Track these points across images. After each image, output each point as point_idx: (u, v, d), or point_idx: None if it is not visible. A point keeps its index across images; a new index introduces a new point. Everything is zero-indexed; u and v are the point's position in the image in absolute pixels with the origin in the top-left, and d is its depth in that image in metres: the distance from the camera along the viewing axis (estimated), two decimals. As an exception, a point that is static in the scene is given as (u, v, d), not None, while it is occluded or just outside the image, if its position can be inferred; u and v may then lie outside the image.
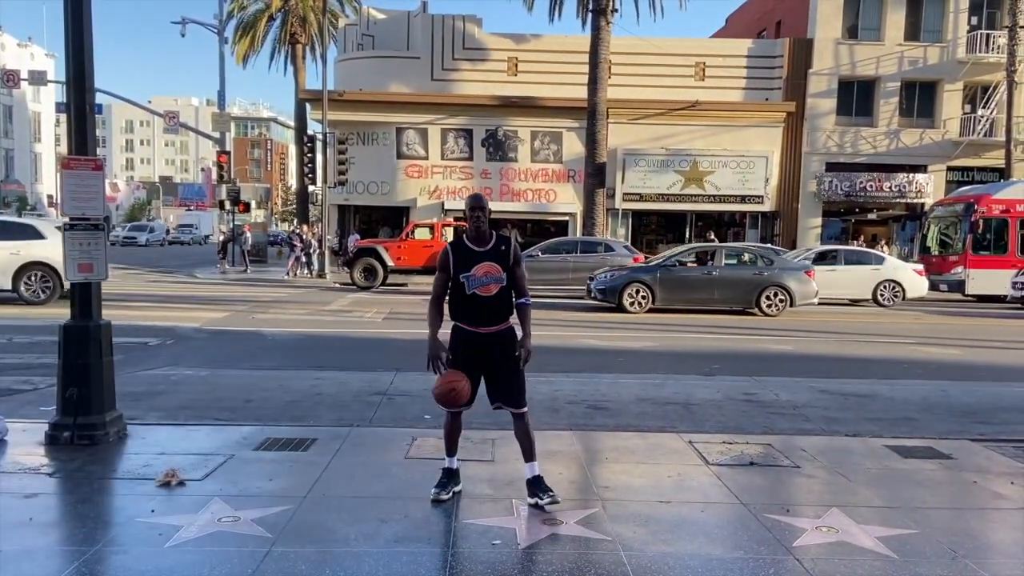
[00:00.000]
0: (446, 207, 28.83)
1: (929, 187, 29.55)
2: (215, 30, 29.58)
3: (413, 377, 8.48)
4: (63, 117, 6.14)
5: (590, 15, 26.19)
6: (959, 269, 21.65)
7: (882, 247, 26.50)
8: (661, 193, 29.35)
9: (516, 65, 29.66)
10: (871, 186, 29.66)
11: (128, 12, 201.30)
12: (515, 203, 29.31)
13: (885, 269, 19.66)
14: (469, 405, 4.57)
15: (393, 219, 29.99)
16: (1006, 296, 20.55)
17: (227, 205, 28.40)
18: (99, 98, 8.30)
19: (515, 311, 4.57)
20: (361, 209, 30.55)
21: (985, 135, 29.71)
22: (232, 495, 4.56)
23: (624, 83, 28.23)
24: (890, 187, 29.60)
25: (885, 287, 19.36)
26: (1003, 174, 27.70)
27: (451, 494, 4.58)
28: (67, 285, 5.81)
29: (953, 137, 30.04)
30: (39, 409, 6.58)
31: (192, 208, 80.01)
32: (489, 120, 29.23)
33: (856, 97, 30.44)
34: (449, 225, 23.28)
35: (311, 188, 34.12)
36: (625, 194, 29.24)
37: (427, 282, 22.54)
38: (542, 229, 29.58)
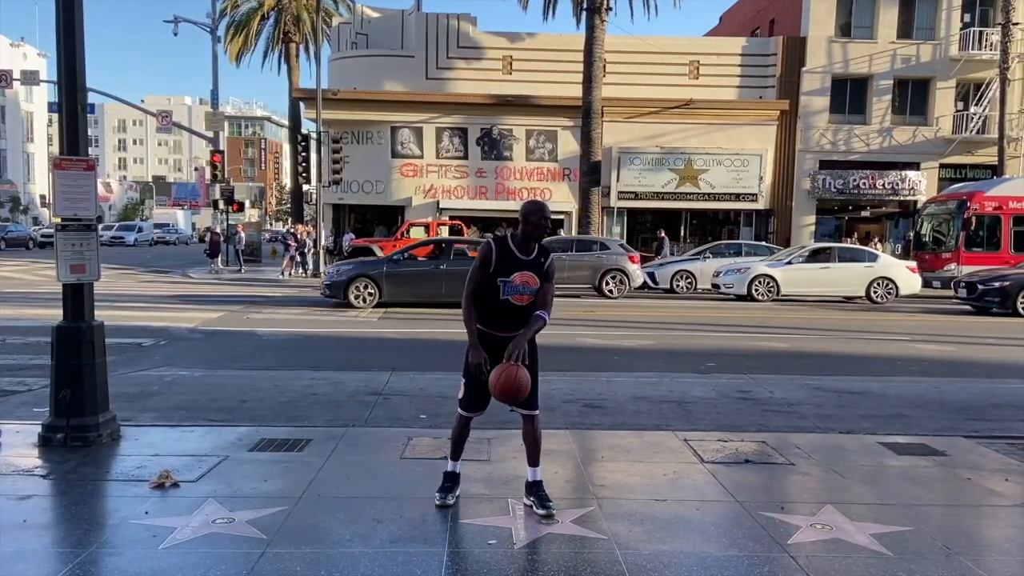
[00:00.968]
0: (441, 206, 28.82)
1: (922, 184, 29.64)
2: (208, 29, 29.51)
3: (409, 377, 8.48)
4: (55, 117, 6.09)
5: (584, 13, 26.19)
6: (952, 266, 21.73)
7: (875, 244, 26.59)
8: (656, 191, 29.39)
9: (511, 64, 29.65)
10: (864, 184, 29.74)
11: (120, 11, 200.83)
12: (510, 202, 29.27)
13: (878, 266, 19.71)
14: (483, 410, 4.49)
15: (388, 218, 29.97)
16: None
17: (221, 205, 28.35)
18: (91, 97, 8.27)
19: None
20: (356, 208, 30.52)
21: (978, 132, 29.82)
22: (226, 496, 4.54)
23: (619, 81, 28.25)
24: (883, 184, 29.68)
25: (878, 284, 19.41)
26: (996, 171, 27.80)
27: (455, 499, 4.53)
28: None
29: (946, 134, 30.14)
30: (32, 411, 6.56)
31: (186, 206, 79.73)
32: (484, 119, 29.21)
33: (849, 95, 30.51)
34: (444, 224, 23.28)
35: (305, 187, 34.05)
36: (620, 192, 29.27)
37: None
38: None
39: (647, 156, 29.26)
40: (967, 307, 17.81)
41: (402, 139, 29.43)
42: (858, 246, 23.72)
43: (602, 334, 12.88)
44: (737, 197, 29.68)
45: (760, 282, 19.46)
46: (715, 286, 20.63)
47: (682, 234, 30.44)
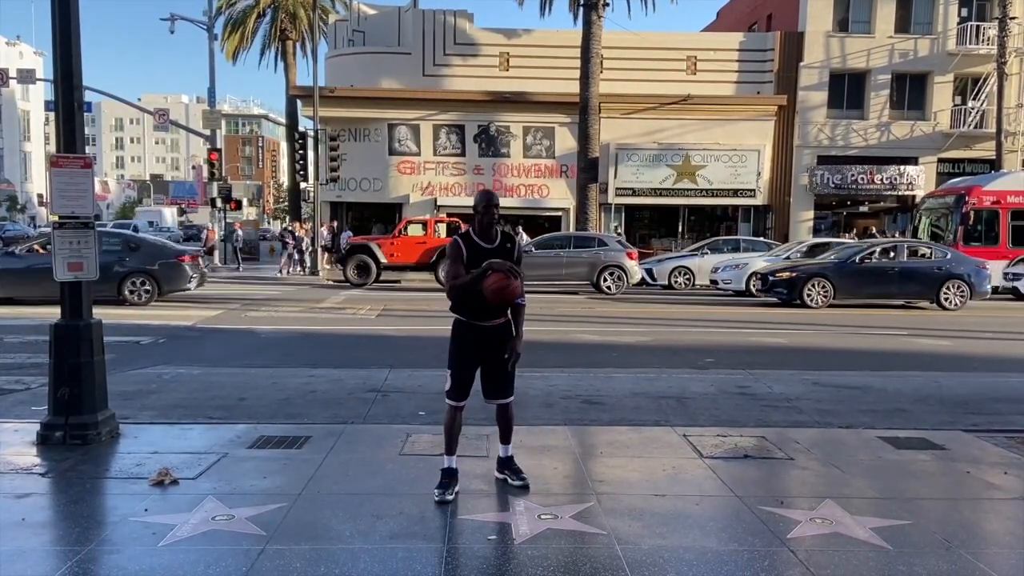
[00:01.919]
0: (439, 203, 28.79)
1: (920, 179, 29.64)
2: (204, 27, 29.43)
3: (408, 374, 8.48)
4: (52, 116, 6.08)
5: (581, 9, 26.16)
6: (950, 261, 21.69)
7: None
8: (654, 187, 29.37)
9: (508, 60, 29.61)
10: (862, 179, 29.73)
11: (116, 9, 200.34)
12: (508, 199, 29.24)
13: (877, 261, 19.66)
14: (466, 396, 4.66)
15: (386, 216, 29.93)
16: (997, 287, 20.63)
17: (219, 203, 28.31)
18: (88, 96, 8.24)
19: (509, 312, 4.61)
20: (354, 206, 30.48)
21: (976, 127, 29.81)
22: (226, 493, 4.54)
23: (616, 78, 28.21)
24: (881, 179, 29.67)
25: (877, 279, 19.36)
26: (994, 165, 27.79)
27: (454, 495, 4.56)
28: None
29: (944, 129, 30.13)
30: (31, 409, 6.55)
31: (184, 206, 79.54)
32: (481, 116, 29.17)
33: (847, 90, 30.49)
34: (442, 221, 23.26)
35: (303, 185, 34.01)
36: (618, 189, 29.25)
37: (420, 278, 22.61)
38: (535, 224, 29.55)
39: (645, 152, 29.24)
40: (772, 299, 17.61)
41: (399, 136, 29.39)
42: (857, 241, 23.71)
43: (601, 330, 12.88)
44: (735, 193, 29.67)
45: (759, 278, 19.44)
46: (713, 282, 20.63)
47: (680, 230, 30.43)
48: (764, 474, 5.18)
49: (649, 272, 21.90)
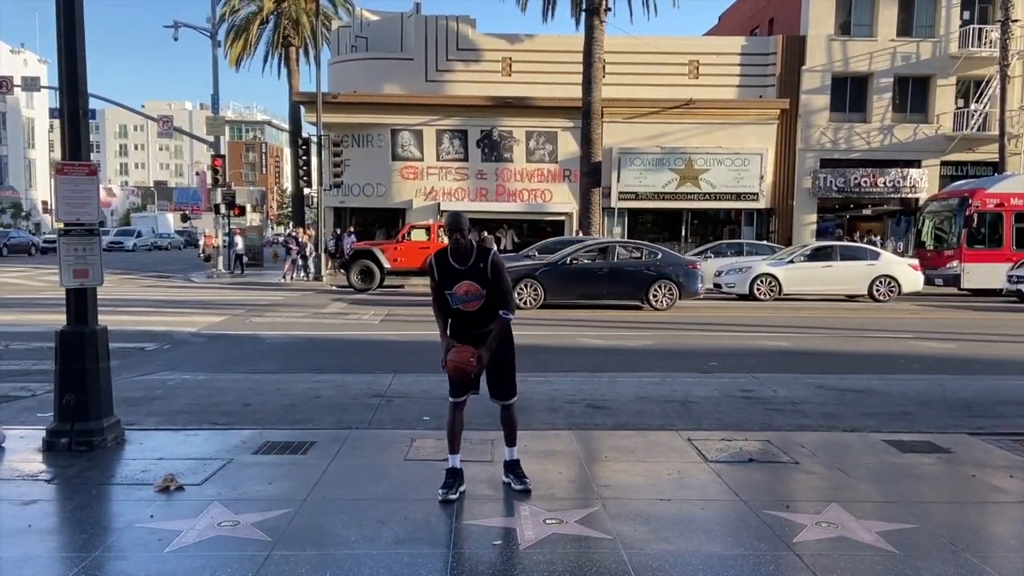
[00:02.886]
0: (442, 208, 28.81)
1: (923, 182, 29.61)
2: (208, 34, 29.50)
3: (412, 379, 8.48)
4: (57, 123, 6.10)
5: (583, 14, 26.21)
6: (954, 263, 21.68)
7: (877, 242, 26.55)
8: (657, 191, 29.37)
9: (510, 65, 29.66)
10: (865, 182, 29.71)
11: (120, 17, 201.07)
12: (511, 203, 29.31)
13: (880, 264, 19.68)
14: (476, 389, 4.73)
15: (389, 221, 29.97)
16: (1001, 290, 20.60)
17: (222, 209, 28.35)
18: (92, 103, 8.29)
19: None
20: (357, 211, 30.53)
21: (978, 129, 29.78)
22: (231, 499, 4.55)
23: (618, 82, 28.24)
24: (884, 182, 29.65)
25: (881, 282, 19.39)
26: (997, 168, 27.76)
27: (458, 494, 4.61)
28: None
29: (947, 132, 30.11)
30: (36, 415, 6.56)
31: (188, 212, 79.64)
32: (484, 120, 29.22)
33: (849, 93, 30.49)
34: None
35: (306, 191, 34.05)
36: (621, 193, 29.25)
37: (424, 283, 22.51)
38: (538, 229, 29.60)
39: (647, 156, 29.25)
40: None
41: (402, 142, 29.45)
42: (860, 244, 23.70)
43: (604, 334, 12.87)
44: (738, 196, 29.66)
45: (762, 281, 19.45)
46: (717, 286, 20.61)
47: (683, 234, 30.42)
48: (769, 478, 5.17)
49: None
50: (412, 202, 29.37)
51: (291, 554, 3.80)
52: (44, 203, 66.30)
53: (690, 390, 8.17)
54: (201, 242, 28.43)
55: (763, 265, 19.91)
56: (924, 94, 30.55)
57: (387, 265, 21.74)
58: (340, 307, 17.16)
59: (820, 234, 29.90)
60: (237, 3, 38.43)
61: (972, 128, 29.77)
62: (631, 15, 31.26)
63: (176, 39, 30.53)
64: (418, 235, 22.68)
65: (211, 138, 29.30)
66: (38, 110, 70.29)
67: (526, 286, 16.47)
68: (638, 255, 17.54)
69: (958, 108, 30.31)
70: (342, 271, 23.02)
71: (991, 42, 29.07)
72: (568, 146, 28.97)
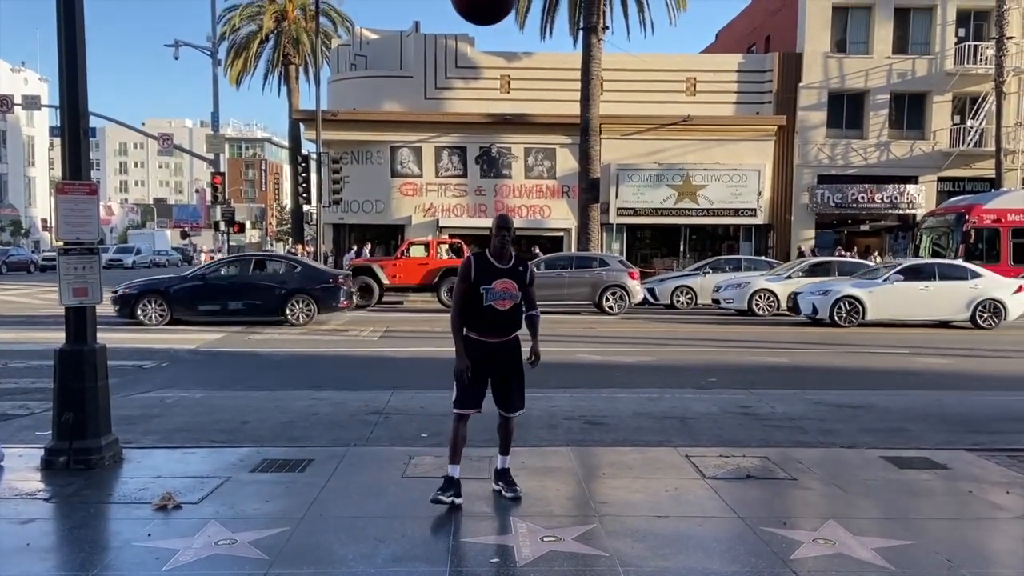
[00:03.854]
0: (441, 224, 28.89)
1: (920, 198, 29.71)
2: (208, 52, 29.69)
3: (410, 395, 8.49)
4: (57, 141, 6.17)
5: (581, 32, 26.38)
6: (952, 279, 21.66)
7: (874, 258, 26.60)
8: (655, 207, 29.46)
9: (509, 83, 29.83)
10: (863, 197, 29.81)
11: (121, 35, 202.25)
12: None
13: (880, 279, 19.65)
14: (479, 408, 4.84)
15: (388, 237, 30.03)
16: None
17: (222, 226, 28.42)
18: (92, 121, 8.34)
19: (524, 322, 4.93)
20: (356, 228, 30.59)
21: (975, 145, 29.92)
22: (229, 518, 4.55)
23: (616, 99, 28.39)
24: (882, 198, 29.75)
25: (881, 297, 19.32)
26: (993, 184, 27.85)
27: (450, 499, 4.69)
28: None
29: (943, 148, 30.25)
30: (35, 434, 6.57)
31: (187, 229, 79.77)
32: (483, 137, 29.35)
33: (846, 110, 30.65)
34: (444, 243, 23.33)
35: (306, 207, 34.17)
36: (619, 209, 29.35)
37: (423, 299, 22.65)
38: (537, 245, 29.64)
39: (645, 172, 29.37)
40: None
41: (401, 158, 29.56)
42: (858, 260, 23.75)
43: (602, 350, 12.89)
44: (736, 212, 29.75)
45: (760, 297, 19.47)
46: (715, 301, 20.64)
47: (681, 250, 30.49)
48: (767, 494, 5.17)
49: (651, 292, 21.92)
50: (411, 218, 29.44)
51: (288, 573, 3.80)
52: (44, 221, 66.33)
53: (688, 406, 8.18)
54: (203, 259, 28.46)
55: (761, 281, 19.94)
56: (920, 110, 30.73)
57: (386, 281, 21.76)
58: (339, 323, 17.16)
59: (820, 249, 29.93)
60: (238, 22, 38.72)
61: (968, 144, 29.92)
62: (628, 33, 31.68)
63: (176, 58, 30.83)
64: (417, 251, 22.72)
65: (211, 155, 29.42)
66: (38, 128, 70.57)
67: (151, 302, 15.84)
68: (278, 268, 17.22)
69: (954, 124, 30.47)
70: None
71: (986, 59, 29.27)
72: (566, 162, 29.09)
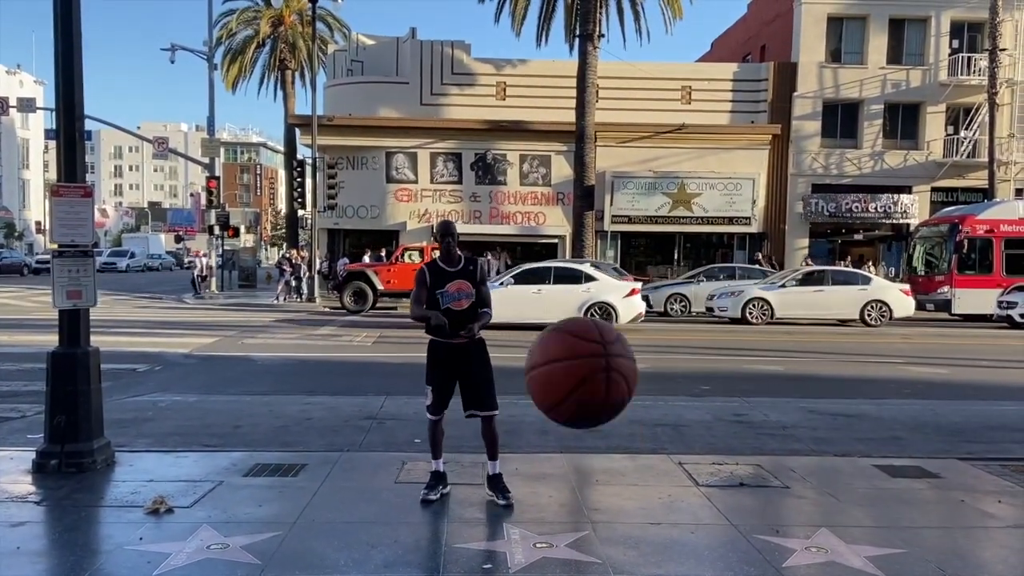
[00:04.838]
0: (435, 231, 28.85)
1: (914, 208, 29.83)
2: (204, 56, 29.70)
3: (403, 401, 8.47)
4: (52, 144, 6.18)
5: (577, 40, 26.47)
6: (945, 289, 21.81)
7: (868, 267, 26.71)
8: (649, 215, 29.51)
9: (504, 90, 29.89)
10: (857, 207, 29.92)
11: (117, 39, 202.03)
12: (504, 226, 29.39)
13: (872, 289, 19.81)
14: (447, 407, 5.03)
15: (383, 243, 30.01)
16: (992, 315, 20.71)
17: (216, 230, 28.38)
18: (88, 124, 8.34)
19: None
20: (351, 233, 30.58)
21: (968, 156, 30.07)
22: (221, 522, 4.53)
23: (612, 107, 28.46)
24: (875, 208, 29.87)
25: (872, 307, 19.50)
26: (987, 194, 27.99)
27: (439, 495, 4.81)
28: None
29: (937, 158, 30.40)
30: (26, 437, 6.54)
31: (182, 233, 79.43)
32: (478, 144, 29.39)
33: (840, 119, 30.79)
34: (438, 248, 23.31)
35: (300, 213, 34.11)
36: (614, 216, 29.39)
37: (417, 306, 22.58)
38: (531, 252, 29.64)
39: (640, 180, 29.43)
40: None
41: (397, 164, 29.57)
42: (851, 269, 23.84)
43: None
44: (730, 220, 29.83)
45: (754, 305, 19.54)
46: (709, 309, 20.69)
47: (676, 257, 30.55)
48: (760, 502, 5.18)
49: (645, 299, 21.89)
50: (406, 224, 29.44)
51: (280, 577, 3.78)
52: (38, 223, 66.19)
53: (682, 414, 8.19)
54: (199, 263, 28.39)
55: (755, 289, 20.00)
56: (914, 121, 30.88)
57: (380, 287, 21.76)
58: (332, 329, 17.15)
59: (814, 258, 30.03)
60: (234, 27, 38.73)
61: (962, 155, 30.07)
62: (624, 41, 31.82)
63: (173, 61, 30.78)
64: (411, 257, 22.73)
65: (206, 159, 29.38)
66: (33, 131, 70.38)
67: None
68: None
69: (948, 135, 30.63)
70: (335, 293, 23.02)
71: (980, 70, 29.45)
72: (562, 169, 29.13)
